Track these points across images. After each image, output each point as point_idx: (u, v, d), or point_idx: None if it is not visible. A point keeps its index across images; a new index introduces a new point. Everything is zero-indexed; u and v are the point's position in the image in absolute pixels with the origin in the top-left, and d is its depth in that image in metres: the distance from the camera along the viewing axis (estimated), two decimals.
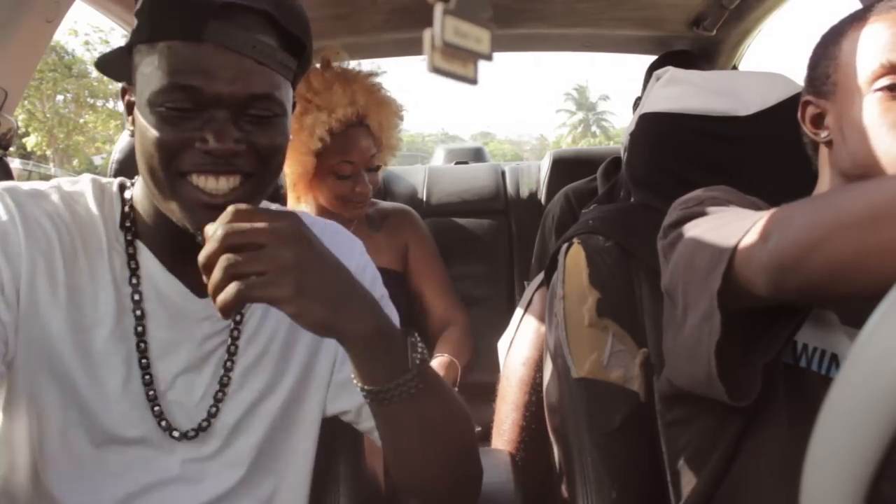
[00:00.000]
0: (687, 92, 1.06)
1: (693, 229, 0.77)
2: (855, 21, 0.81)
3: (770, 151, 0.99)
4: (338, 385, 0.84)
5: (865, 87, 0.77)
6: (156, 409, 0.76)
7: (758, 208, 0.79)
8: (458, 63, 0.39)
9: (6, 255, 0.71)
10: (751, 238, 0.67)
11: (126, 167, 1.17)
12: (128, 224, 0.78)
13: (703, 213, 0.78)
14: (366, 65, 1.70)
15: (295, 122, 1.58)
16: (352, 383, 0.72)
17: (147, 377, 0.76)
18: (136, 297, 0.76)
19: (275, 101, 0.71)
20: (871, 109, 0.77)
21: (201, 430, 0.78)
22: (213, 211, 0.67)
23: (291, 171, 1.61)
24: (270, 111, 0.71)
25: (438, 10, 0.37)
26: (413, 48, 2.11)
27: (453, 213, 2.11)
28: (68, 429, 0.74)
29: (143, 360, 0.76)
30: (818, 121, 0.84)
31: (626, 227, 1.03)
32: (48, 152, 18.28)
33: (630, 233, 1.02)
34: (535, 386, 1.36)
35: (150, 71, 0.68)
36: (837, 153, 0.82)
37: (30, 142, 17.51)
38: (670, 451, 0.90)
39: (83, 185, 0.80)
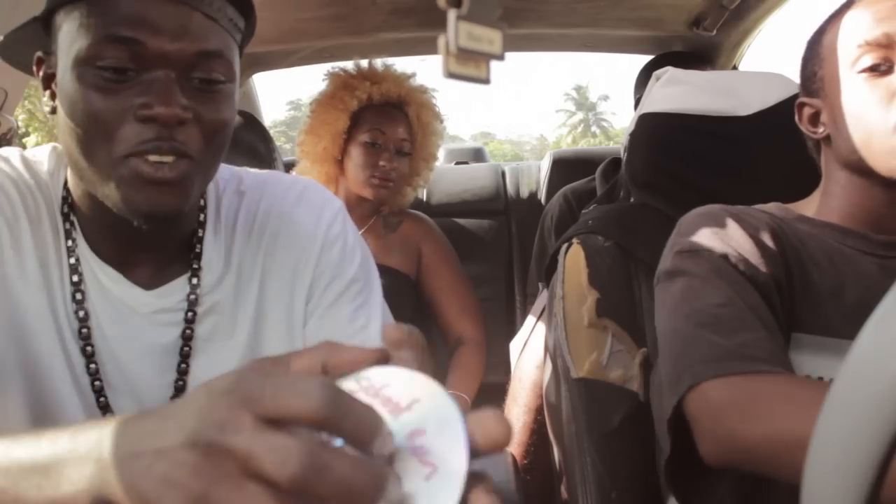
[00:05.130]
0: (687, 92, 1.06)
1: (672, 300, 0.78)
2: (833, 18, 0.84)
3: (770, 151, 0.99)
4: None
5: (849, 72, 0.79)
6: (108, 416, 0.68)
7: (774, 238, 0.80)
8: (472, 65, 0.39)
9: None
10: (701, 398, 0.67)
11: None
12: (65, 209, 0.68)
13: (697, 279, 0.77)
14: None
15: (335, 85, 1.66)
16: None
17: (97, 384, 0.68)
18: (79, 295, 0.67)
19: (225, 62, 0.63)
20: (858, 92, 0.78)
21: None
22: (158, 188, 0.60)
23: (322, 140, 1.64)
24: (221, 75, 0.62)
25: (452, 16, 0.38)
26: (413, 48, 2.11)
27: (453, 213, 2.11)
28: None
29: (92, 366, 0.68)
30: (814, 120, 0.86)
31: (625, 226, 1.03)
32: None
33: (630, 233, 1.02)
34: None
35: (78, 26, 0.59)
36: (836, 145, 0.83)
37: (30, 142, 17.51)
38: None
39: (43, 153, 0.71)
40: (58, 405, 0.67)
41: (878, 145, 0.77)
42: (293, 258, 0.73)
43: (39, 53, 0.65)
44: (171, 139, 0.60)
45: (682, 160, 1.04)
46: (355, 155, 1.63)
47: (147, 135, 0.59)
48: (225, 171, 0.77)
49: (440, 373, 1.67)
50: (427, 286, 1.72)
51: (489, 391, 1.59)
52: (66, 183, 0.69)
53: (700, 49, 1.91)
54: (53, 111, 0.64)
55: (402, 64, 1.71)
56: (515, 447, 1.38)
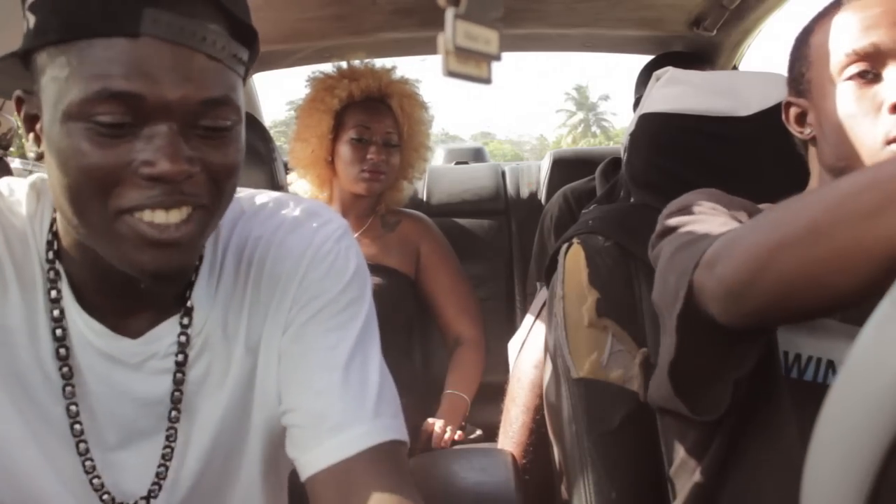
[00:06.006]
0: (687, 92, 1.06)
1: (669, 244, 0.77)
2: (821, 18, 0.83)
3: (770, 151, 0.99)
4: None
5: (837, 78, 0.79)
6: (94, 481, 0.66)
7: (746, 210, 0.80)
8: (473, 64, 0.39)
9: None
10: (702, 265, 0.66)
11: None
12: (50, 255, 0.63)
13: (682, 225, 0.78)
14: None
15: (317, 89, 1.66)
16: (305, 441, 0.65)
17: (82, 445, 0.65)
18: (63, 351, 0.63)
19: (232, 106, 0.58)
20: (845, 100, 0.78)
21: (151, 496, 0.68)
22: (162, 249, 0.56)
23: (309, 144, 1.65)
24: (227, 119, 0.57)
25: (450, 14, 0.38)
26: (413, 48, 2.11)
27: (453, 213, 2.10)
28: None
29: (76, 426, 0.64)
30: (801, 120, 0.86)
31: (625, 226, 1.03)
32: None
33: (630, 233, 1.02)
34: None
35: (68, 75, 0.53)
36: (821, 149, 0.83)
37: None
38: (668, 454, 0.90)
39: (21, 192, 0.65)
40: (46, 469, 0.65)
41: (866, 158, 0.77)
42: (280, 283, 0.68)
43: (18, 93, 0.59)
44: (177, 193, 0.55)
45: (682, 160, 1.04)
46: (344, 153, 1.64)
47: (151, 192, 0.54)
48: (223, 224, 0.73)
49: (439, 373, 1.67)
50: (426, 286, 1.72)
51: (489, 391, 1.59)
52: (51, 225, 0.64)
53: (700, 49, 1.91)
54: (40, 157, 0.58)
55: (402, 64, 1.72)
56: (515, 447, 1.38)
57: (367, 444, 0.64)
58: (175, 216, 0.56)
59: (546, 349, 1.13)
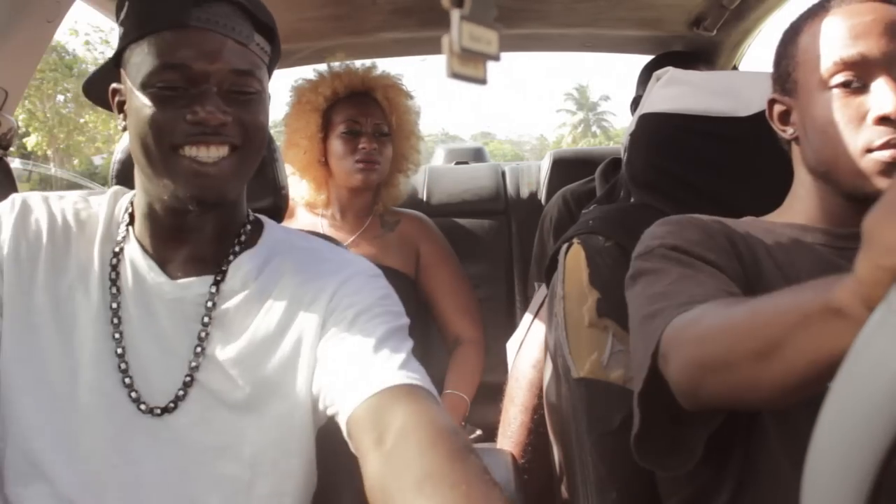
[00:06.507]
0: (687, 92, 1.06)
1: (633, 306, 0.80)
2: (810, 18, 0.83)
3: (770, 151, 0.99)
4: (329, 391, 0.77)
5: (822, 84, 0.79)
6: (126, 380, 0.78)
7: (725, 236, 0.82)
8: (472, 66, 0.41)
9: None
10: (659, 354, 0.70)
11: (128, 167, 1.17)
12: (125, 217, 0.85)
13: (643, 283, 0.80)
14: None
15: (302, 92, 1.69)
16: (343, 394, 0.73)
17: (119, 350, 0.79)
18: (113, 275, 0.81)
19: (255, 78, 0.78)
20: (829, 106, 0.78)
21: (167, 411, 0.78)
22: (204, 179, 0.75)
23: (300, 147, 1.66)
24: (252, 88, 0.77)
25: (455, 16, 0.38)
26: (413, 48, 2.11)
27: (453, 213, 2.11)
28: (38, 399, 0.77)
29: (116, 335, 0.79)
30: (785, 118, 0.86)
31: (625, 226, 1.03)
32: (49, 152, 18.23)
33: (630, 233, 1.02)
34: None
35: (142, 59, 0.75)
36: (803, 150, 0.84)
37: (30, 142, 17.47)
38: None
39: (110, 192, 0.89)
40: (76, 366, 0.78)
41: (845, 165, 0.77)
42: (319, 293, 0.80)
43: (114, 85, 0.82)
44: (215, 133, 0.75)
45: (682, 160, 1.04)
46: (336, 148, 1.65)
47: (194, 130, 0.74)
48: (276, 227, 0.90)
49: (439, 373, 1.67)
50: (426, 286, 1.72)
51: (489, 391, 1.59)
52: (130, 203, 0.86)
53: (700, 49, 1.91)
54: (125, 129, 0.81)
55: (401, 64, 1.73)
56: (513, 447, 1.38)
57: (394, 383, 0.71)
58: (215, 152, 0.75)
59: (546, 349, 1.13)
